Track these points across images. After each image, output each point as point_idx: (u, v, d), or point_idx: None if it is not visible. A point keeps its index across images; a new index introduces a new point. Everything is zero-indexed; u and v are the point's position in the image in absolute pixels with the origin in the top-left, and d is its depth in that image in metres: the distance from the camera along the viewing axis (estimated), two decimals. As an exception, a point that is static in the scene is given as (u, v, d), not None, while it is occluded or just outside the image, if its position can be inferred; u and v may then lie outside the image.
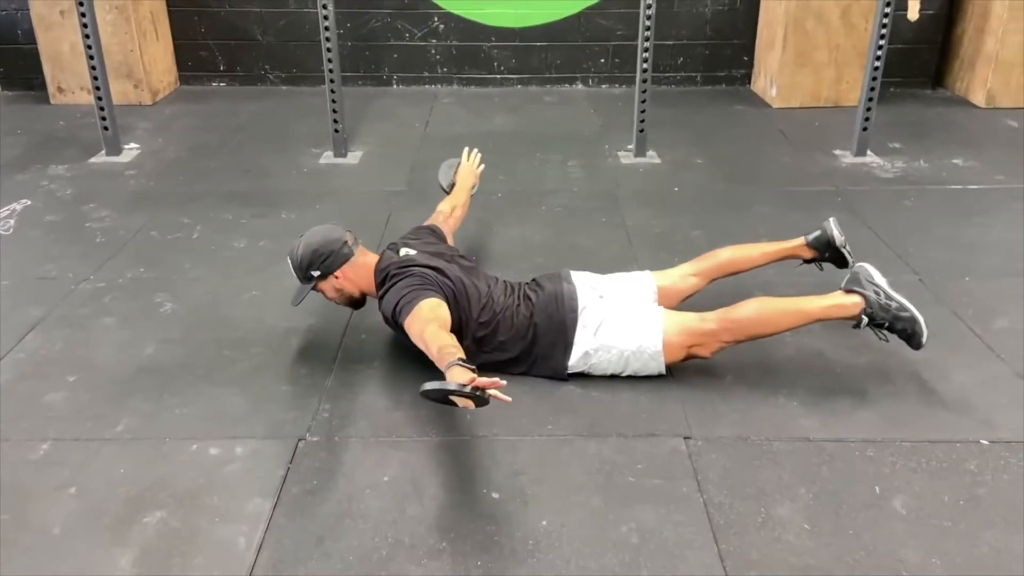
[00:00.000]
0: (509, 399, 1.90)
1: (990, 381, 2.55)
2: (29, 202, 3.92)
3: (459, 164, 3.19)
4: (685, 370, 2.55)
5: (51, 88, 5.44)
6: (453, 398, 1.91)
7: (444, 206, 3.03)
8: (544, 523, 2.01)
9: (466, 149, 3.23)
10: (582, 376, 2.54)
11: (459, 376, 1.92)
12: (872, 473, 2.17)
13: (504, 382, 1.89)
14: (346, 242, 2.58)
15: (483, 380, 1.87)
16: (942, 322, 2.81)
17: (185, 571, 1.88)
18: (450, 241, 2.88)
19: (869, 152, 4.47)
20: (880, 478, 2.15)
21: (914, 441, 2.28)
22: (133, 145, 4.67)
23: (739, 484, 2.13)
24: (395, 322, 2.44)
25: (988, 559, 1.90)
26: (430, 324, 2.27)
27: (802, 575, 1.87)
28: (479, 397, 1.87)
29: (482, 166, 3.22)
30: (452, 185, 3.14)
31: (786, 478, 2.16)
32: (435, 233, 2.84)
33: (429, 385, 1.91)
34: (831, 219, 2.78)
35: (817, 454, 2.24)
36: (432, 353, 2.17)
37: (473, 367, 1.98)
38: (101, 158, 4.49)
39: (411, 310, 2.35)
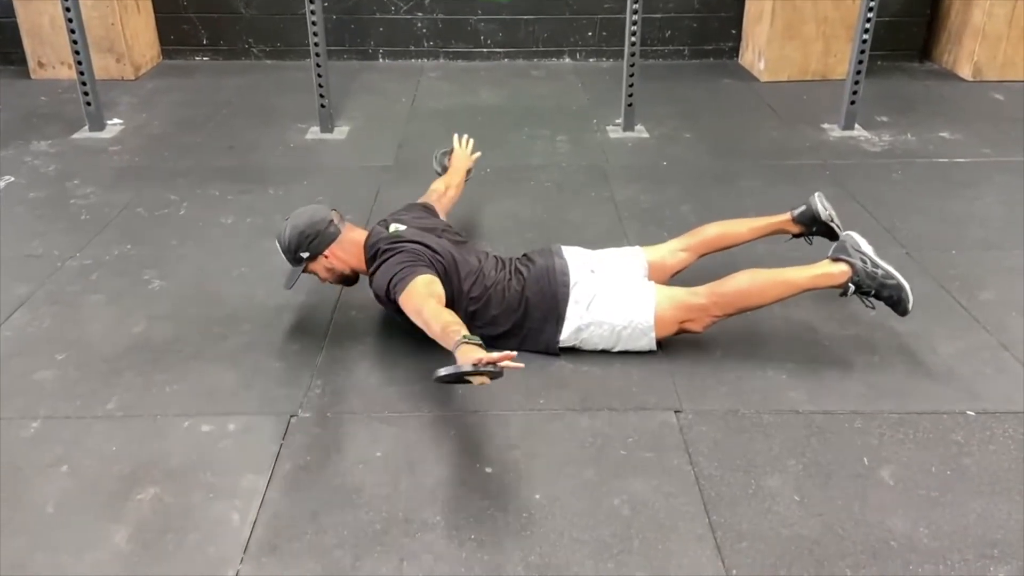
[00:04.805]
0: (522, 365, 1.92)
1: (975, 352, 2.58)
2: (12, 178, 3.88)
3: (452, 151, 3.18)
4: (675, 344, 2.56)
5: (31, 63, 5.35)
6: (468, 377, 1.92)
7: (438, 184, 3.02)
8: (537, 496, 2.02)
9: (456, 135, 3.21)
10: (573, 351, 2.54)
11: (469, 355, 1.93)
12: (860, 444, 2.20)
13: (514, 352, 1.91)
14: (332, 221, 2.57)
15: (493, 355, 1.88)
16: (928, 294, 2.84)
17: (180, 547, 1.89)
18: (443, 219, 2.87)
19: (857, 126, 4.48)
20: (868, 449, 2.18)
21: (901, 412, 2.31)
22: (116, 120, 4.62)
23: (729, 456, 2.15)
24: (389, 299, 2.44)
25: (975, 527, 1.93)
26: (428, 301, 2.27)
27: (792, 545, 1.89)
28: (492, 372, 1.89)
29: (477, 153, 3.21)
30: (446, 169, 3.13)
31: (775, 450, 2.18)
32: (427, 209, 2.83)
33: (443, 371, 1.90)
34: (816, 194, 2.79)
35: (806, 426, 2.27)
36: (434, 332, 2.17)
37: (479, 341, 2.00)
38: (84, 134, 4.43)
39: (405, 287, 2.35)
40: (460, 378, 1.92)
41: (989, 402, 2.35)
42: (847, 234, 2.56)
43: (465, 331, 2.07)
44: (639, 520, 1.96)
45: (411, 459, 2.15)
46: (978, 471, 2.10)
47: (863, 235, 2.60)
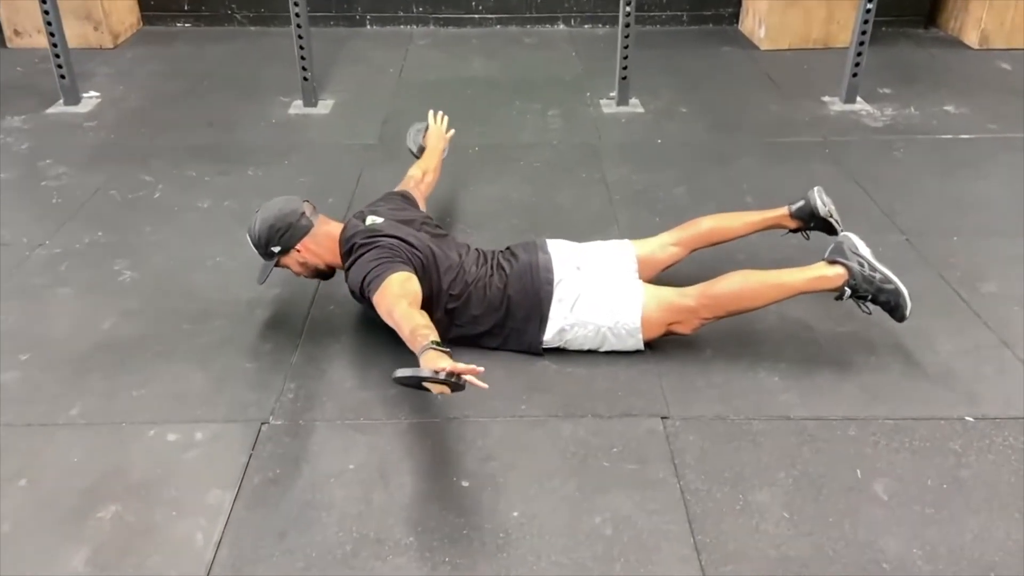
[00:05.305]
0: (486, 386, 1.81)
1: (975, 351, 2.48)
2: (-18, 158, 3.75)
3: (427, 127, 3.04)
4: (664, 343, 2.45)
5: (7, 31, 5.17)
6: (427, 384, 1.82)
7: (415, 171, 2.89)
8: (515, 514, 1.94)
9: (431, 112, 3.07)
10: (558, 350, 2.44)
11: (433, 361, 1.83)
12: (853, 454, 2.11)
13: (481, 369, 1.80)
14: (303, 213, 2.45)
15: (460, 367, 1.78)
16: (928, 286, 2.73)
17: (140, 570, 1.81)
18: (422, 207, 2.75)
19: (858, 99, 4.32)
20: (862, 459, 2.09)
21: (897, 418, 2.22)
22: (93, 93, 4.46)
23: (717, 468, 2.06)
24: (363, 296, 2.33)
25: (971, 548, 1.85)
26: (400, 301, 2.17)
27: (780, 568, 1.81)
28: (454, 383, 1.79)
29: (451, 131, 3.07)
30: (422, 149, 3.00)
31: (765, 460, 2.09)
32: (406, 199, 2.71)
33: (401, 372, 1.81)
34: (816, 188, 2.66)
35: (797, 433, 2.17)
36: (404, 334, 2.06)
37: (448, 350, 1.89)
38: (59, 108, 4.28)
39: (379, 285, 2.24)
40: (419, 383, 1.83)
41: (989, 406, 2.26)
42: (844, 235, 2.44)
43: (435, 336, 1.96)
44: (621, 540, 1.87)
45: (385, 472, 2.06)
46: (976, 485, 2.02)
47: (862, 220, 2.53)
